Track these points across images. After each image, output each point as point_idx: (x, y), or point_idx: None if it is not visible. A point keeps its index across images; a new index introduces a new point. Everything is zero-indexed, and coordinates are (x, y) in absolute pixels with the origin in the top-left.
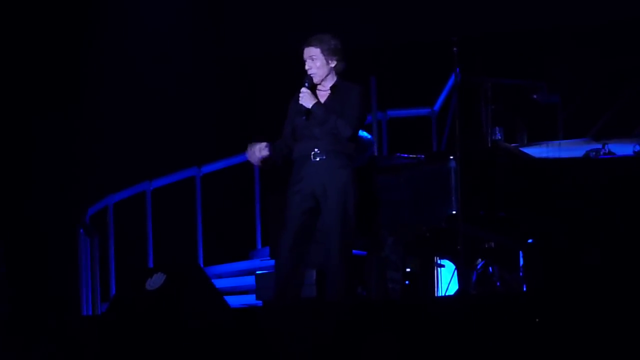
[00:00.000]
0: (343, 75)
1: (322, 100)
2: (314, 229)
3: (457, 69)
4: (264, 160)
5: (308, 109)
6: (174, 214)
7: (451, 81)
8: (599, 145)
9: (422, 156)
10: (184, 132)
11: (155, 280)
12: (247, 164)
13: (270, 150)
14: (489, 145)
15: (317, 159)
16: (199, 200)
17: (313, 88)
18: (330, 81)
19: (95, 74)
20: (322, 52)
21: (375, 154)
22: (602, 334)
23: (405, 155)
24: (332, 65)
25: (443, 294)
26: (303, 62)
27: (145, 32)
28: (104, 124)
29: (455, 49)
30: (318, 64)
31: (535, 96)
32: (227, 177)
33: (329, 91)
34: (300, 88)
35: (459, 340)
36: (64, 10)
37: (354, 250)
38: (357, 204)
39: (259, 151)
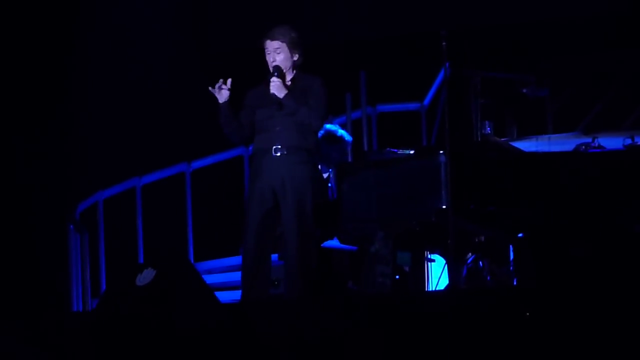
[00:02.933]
0: (301, 68)
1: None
2: (275, 225)
3: (447, 63)
4: (226, 105)
5: (280, 99)
6: (164, 210)
7: (441, 75)
8: (589, 139)
9: (412, 151)
10: (174, 127)
11: (146, 276)
12: (237, 159)
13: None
14: (479, 139)
15: (278, 154)
16: (189, 195)
17: (282, 78)
18: (291, 74)
19: (83, 70)
20: (287, 45)
21: (365, 149)
22: (592, 328)
23: (395, 150)
24: (295, 58)
25: (433, 289)
26: (264, 55)
27: (133, 28)
28: (94, 120)
29: (444, 43)
30: (282, 56)
31: (524, 90)
32: (217, 172)
33: (290, 84)
34: (267, 79)
35: (450, 335)
36: (51, 6)
37: (344, 245)
38: (315, 199)
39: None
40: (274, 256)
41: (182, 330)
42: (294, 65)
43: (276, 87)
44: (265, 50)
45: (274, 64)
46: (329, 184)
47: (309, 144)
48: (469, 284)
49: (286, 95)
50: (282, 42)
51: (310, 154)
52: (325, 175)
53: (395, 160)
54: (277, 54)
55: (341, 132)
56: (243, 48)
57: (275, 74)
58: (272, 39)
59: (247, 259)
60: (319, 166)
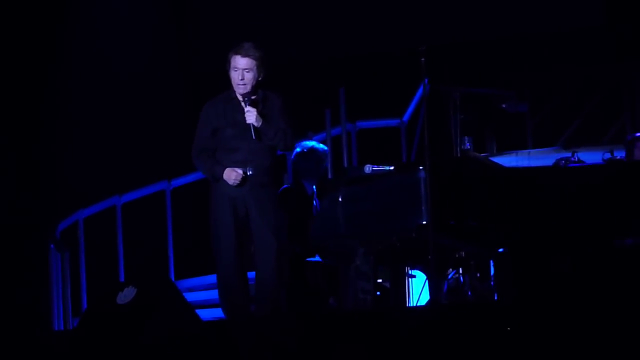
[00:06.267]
0: (263, 86)
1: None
2: (249, 243)
3: (426, 79)
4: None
5: (256, 127)
6: (144, 228)
7: (420, 91)
8: (569, 154)
9: (392, 167)
10: (154, 146)
11: (126, 294)
12: None
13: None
14: (459, 154)
15: (250, 173)
16: (169, 213)
17: (253, 104)
18: (255, 95)
19: (63, 88)
20: (256, 64)
21: (345, 165)
22: (573, 343)
23: (375, 166)
24: (260, 78)
25: (414, 304)
26: (228, 68)
27: (114, 48)
28: (73, 139)
29: (422, 59)
30: (250, 76)
31: (503, 105)
32: (197, 190)
33: (259, 107)
34: (227, 95)
35: (431, 351)
36: (31, 23)
37: (324, 260)
38: (298, 215)
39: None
40: (251, 274)
41: (163, 348)
42: (258, 85)
43: (253, 117)
44: (232, 65)
45: (241, 82)
46: (314, 202)
47: (274, 162)
48: (450, 300)
49: (263, 123)
50: (253, 60)
51: (276, 172)
52: (309, 192)
53: (375, 177)
54: (247, 72)
55: (310, 143)
56: (223, 68)
57: (247, 103)
58: (244, 56)
59: (225, 279)
60: (303, 182)
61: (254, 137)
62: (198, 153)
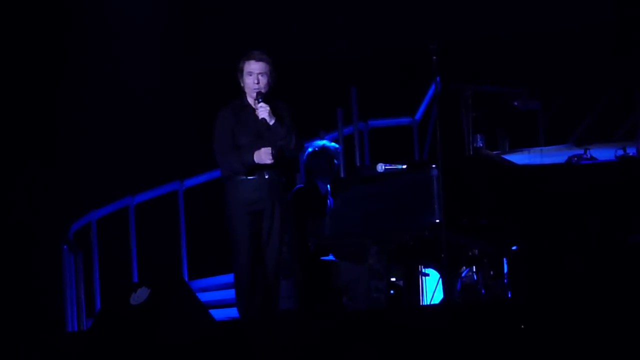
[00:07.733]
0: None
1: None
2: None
3: (437, 78)
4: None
5: (269, 124)
6: (157, 229)
7: (432, 90)
8: (581, 151)
9: (405, 165)
10: (166, 146)
11: (140, 295)
12: None
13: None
14: (471, 153)
15: (267, 177)
16: (182, 214)
17: (266, 100)
18: (269, 100)
19: (76, 89)
20: (270, 69)
21: (358, 164)
22: (585, 340)
23: (388, 165)
24: (272, 84)
25: (428, 303)
26: (240, 76)
27: (124, 48)
28: (86, 140)
29: (434, 57)
30: (265, 81)
31: (515, 103)
32: (209, 190)
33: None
34: (239, 101)
35: (444, 349)
36: (44, 26)
37: (338, 259)
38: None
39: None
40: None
41: (177, 349)
42: (270, 91)
43: (266, 113)
44: (247, 70)
45: (256, 87)
46: (328, 200)
47: (285, 165)
48: (463, 298)
49: (275, 122)
50: (267, 64)
51: (287, 175)
52: (323, 191)
53: (388, 175)
54: (262, 76)
55: (321, 142)
56: (235, 66)
57: (260, 99)
58: (257, 60)
59: (242, 283)
60: (317, 182)
61: (255, 130)
62: (223, 152)
